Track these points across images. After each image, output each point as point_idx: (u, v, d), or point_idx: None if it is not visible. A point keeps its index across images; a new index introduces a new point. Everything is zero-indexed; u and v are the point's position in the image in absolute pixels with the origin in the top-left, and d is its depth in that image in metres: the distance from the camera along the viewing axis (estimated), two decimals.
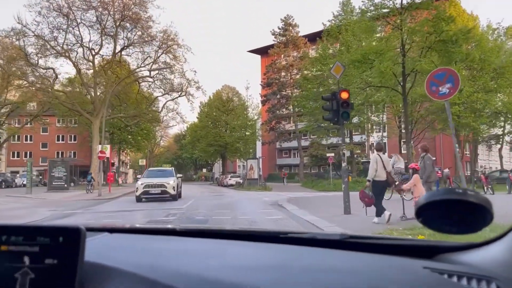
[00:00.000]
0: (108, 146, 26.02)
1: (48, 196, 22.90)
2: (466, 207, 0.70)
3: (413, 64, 20.01)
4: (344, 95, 9.93)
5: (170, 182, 16.83)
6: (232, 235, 1.24)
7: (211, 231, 1.31)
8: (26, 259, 0.72)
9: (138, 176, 21.78)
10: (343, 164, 10.26)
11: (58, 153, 57.88)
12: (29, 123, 45.21)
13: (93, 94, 36.39)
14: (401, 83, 21.34)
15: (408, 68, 20.81)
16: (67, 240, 0.73)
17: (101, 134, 24.91)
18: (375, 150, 8.99)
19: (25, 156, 58.32)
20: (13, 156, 60.56)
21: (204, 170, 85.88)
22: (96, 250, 0.87)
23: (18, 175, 44.98)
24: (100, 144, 25.80)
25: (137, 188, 16.94)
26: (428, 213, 0.74)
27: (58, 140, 61.54)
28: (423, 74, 21.48)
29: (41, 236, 0.74)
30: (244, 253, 0.99)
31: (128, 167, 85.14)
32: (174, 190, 16.74)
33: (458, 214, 0.71)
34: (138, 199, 16.57)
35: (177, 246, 1.04)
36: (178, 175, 19.04)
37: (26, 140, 60.81)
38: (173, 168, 20.65)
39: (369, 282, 0.75)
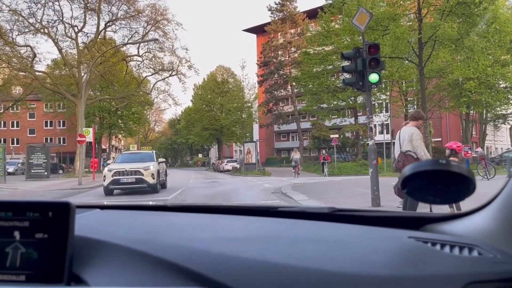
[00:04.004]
0: (91, 130, 23.47)
1: (24, 185, 20.54)
2: (450, 178, 0.72)
3: (433, 30, 17.46)
4: (373, 51, 7.51)
5: (149, 168, 13.20)
6: (222, 209, 1.24)
7: (201, 207, 1.30)
8: (17, 234, 0.74)
9: (109, 161, 16.98)
10: (371, 142, 7.86)
11: (46, 139, 55.15)
12: (13, 108, 42.58)
13: (77, 75, 33.70)
14: (417, 53, 18.85)
15: (425, 36, 18.30)
16: (56, 215, 0.74)
17: (88, 118, 22.72)
18: (414, 120, 6.19)
19: (12, 143, 55.91)
20: None
21: (200, 156, 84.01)
22: (86, 225, 0.88)
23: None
24: (87, 128, 23.59)
25: (104, 176, 13.28)
26: (413, 184, 0.75)
27: (46, 126, 59.02)
28: (442, 42, 19.08)
29: (31, 212, 0.75)
30: (234, 226, 0.99)
31: (122, 153, 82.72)
32: (154, 179, 13.19)
33: (442, 184, 0.74)
34: (107, 191, 13.11)
35: (168, 221, 1.04)
36: (161, 159, 15.09)
37: (12, 126, 58.32)
38: (154, 151, 16.17)
39: (356, 251, 0.78)
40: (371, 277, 0.67)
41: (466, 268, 0.72)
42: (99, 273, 0.73)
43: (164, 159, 16.06)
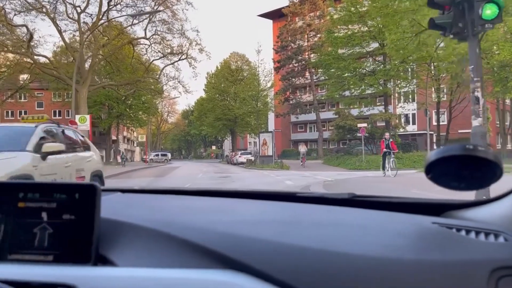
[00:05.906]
0: (88, 117, 20.93)
1: None
2: (476, 163, 0.71)
3: None
4: None
5: None
6: (241, 194, 1.26)
7: (220, 191, 1.32)
8: (44, 215, 0.75)
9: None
10: (477, 122, 4.78)
11: None
12: (19, 96, 40.56)
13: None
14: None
15: None
16: (83, 197, 0.76)
17: (96, 107, 20.10)
18: None
19: None
20: None
21: (214, 147, 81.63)
22: (110, 207, 0.90)
23: None
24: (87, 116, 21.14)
25: None
26: (437, 170, 0.74)
27: (54, 115, 57.06)
28: (506, 9, 15.65)
29: (58, 193, 0.77)
30: (254, 209, 1.01)
31: (135, 144, 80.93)
32: None
33: (467, 170, 0.73)
34: None
35: (189, 204, 1.06)
36: (52, 144, 5.56)
37: (20, 115, 56.60)
38: (44, 124, 6.00)
39: (378, 236, 0.78)
40: (397, 261, 0.66)
41: (493, 254, 0.71)
42: (125, 254, 0.73)
43: (61, 144, 5.81)
